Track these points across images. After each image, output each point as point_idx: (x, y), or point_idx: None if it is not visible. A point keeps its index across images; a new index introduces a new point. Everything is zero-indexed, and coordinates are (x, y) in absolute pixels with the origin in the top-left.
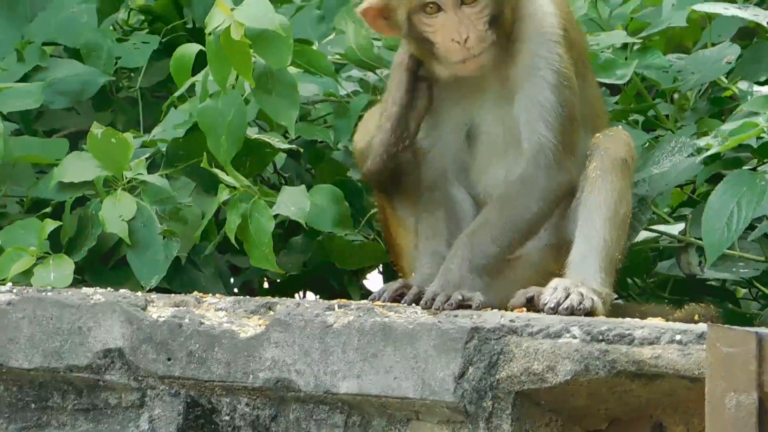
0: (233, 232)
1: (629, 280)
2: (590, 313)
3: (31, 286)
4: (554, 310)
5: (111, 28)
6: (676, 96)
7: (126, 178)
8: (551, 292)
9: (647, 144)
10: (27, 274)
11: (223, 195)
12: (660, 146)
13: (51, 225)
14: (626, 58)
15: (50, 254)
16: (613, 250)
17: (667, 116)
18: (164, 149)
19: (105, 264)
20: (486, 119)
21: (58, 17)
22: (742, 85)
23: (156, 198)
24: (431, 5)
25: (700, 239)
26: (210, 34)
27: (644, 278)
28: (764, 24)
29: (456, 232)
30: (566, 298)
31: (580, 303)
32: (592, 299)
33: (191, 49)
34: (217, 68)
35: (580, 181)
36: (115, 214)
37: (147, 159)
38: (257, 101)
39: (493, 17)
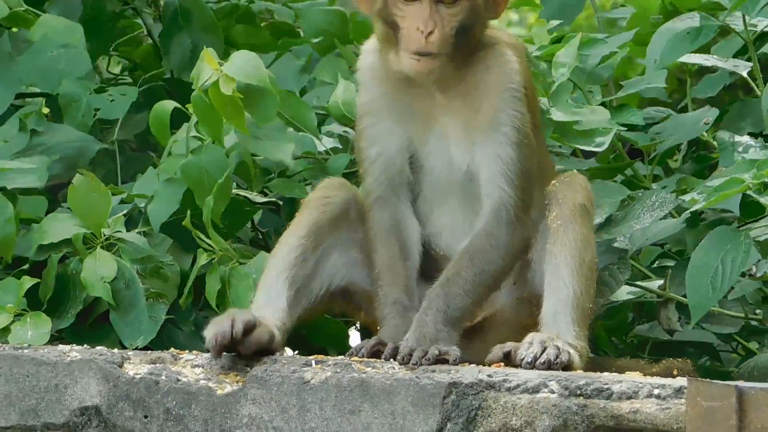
0: (214, 297)
1: (611, 339)
2: (568, 366)
3: (8, 343)
4: (531, 365)
5: (93, 71)
6: (653, 154)
7: (104, 235)
8: (527, 347)
9: (626, 201)
10: (5, 331)
11: (202, 259)
12: (640, 201)
13: (28, 282)
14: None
15: (28, 311)
16: (583, 301)
17: (644, 175)
18: (142, 205)
19: (83, 322)
20: (433, 153)
21: (37, 61)
22: (723, 134)
23: (135, 257)
24: None
25: (681, 295)
26: (197, 89)
27: (623, 338)
28: (744, 75)
29: (410, 271)
30: (543, 352)
31: (557, 357)
32: (569, 352)
33: (168, 105)
34: (208, 122)
35: (540, 230)
36: (97, 275)
37: (125, 215)
38: (249, 148)
39: (462, 26)
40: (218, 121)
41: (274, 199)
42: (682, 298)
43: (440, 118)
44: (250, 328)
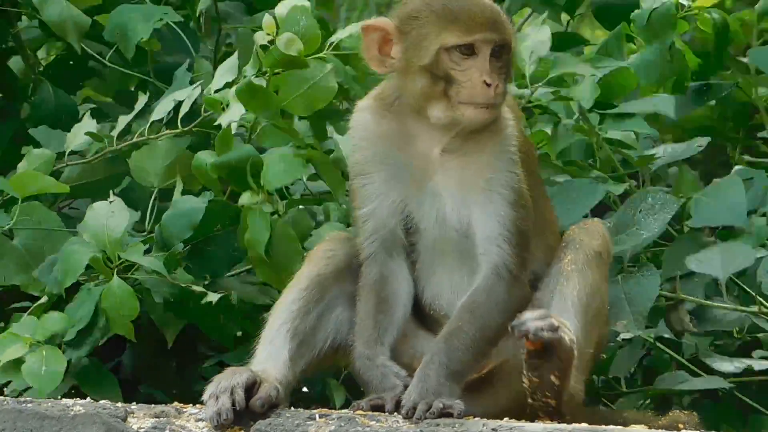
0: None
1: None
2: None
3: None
4: None
5: None
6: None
7: (120, 259)
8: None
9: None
10: (17, 363)
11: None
12: (632, 204)
13: (57, 321)
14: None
15: (42, 343)
16: (584, 347)
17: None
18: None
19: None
20: (428, 214)
21: None
22: None
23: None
24: (467, 47)
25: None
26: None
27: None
28: None
29: (385, 324)
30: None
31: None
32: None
33: None
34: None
35: (552, 273)
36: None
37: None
38: None
39: (506, 77)
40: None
41: None
42: (694, 299)
43: (435, 177)
44: (252, 386)
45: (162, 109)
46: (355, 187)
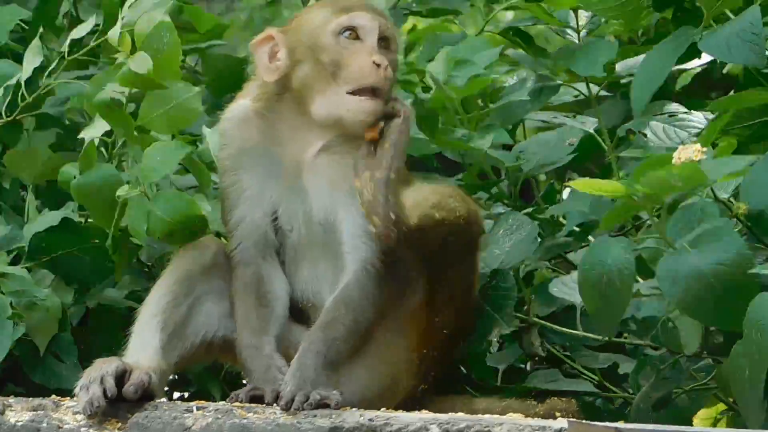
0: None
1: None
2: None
3: None
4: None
5: None
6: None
7: None
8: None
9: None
10: None
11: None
12: (499, 224)
13: None
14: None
15: None
16: None
17: (510, 194)
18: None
19: None
20: (295, 211)
21: None
22: None
23: (12, 289)
24: (351, 30)
25: (541, 318)
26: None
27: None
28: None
29: (267, 318)
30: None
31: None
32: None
33: None
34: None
35: None
36: None
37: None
38: None
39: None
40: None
41: None
42: (545, 323)
43: (304, 176)
44: (122, 375)
45: None
46: (224, 187)
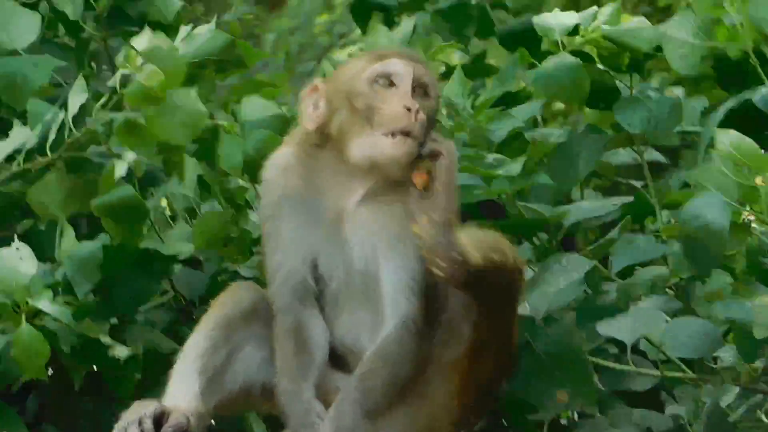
0: None
1: None
2: None
3: None
4: None
5: None
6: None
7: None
8: None
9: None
10: None
11: None
12: (547, 267)
13: None
14: None
15: None
16: None
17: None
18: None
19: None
20: (337, 261)
21: None
22: None
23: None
24: (385, 77)
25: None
26: None
27: None
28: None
29: (307, 365)
30: None
31: None
32: None
33: None
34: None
35: None
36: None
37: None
38: None
39: (429, 120)
40: None
41: None
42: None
43: (346, 226)
44: (160, 417)
45: (20, 136)
46: (265, 231)
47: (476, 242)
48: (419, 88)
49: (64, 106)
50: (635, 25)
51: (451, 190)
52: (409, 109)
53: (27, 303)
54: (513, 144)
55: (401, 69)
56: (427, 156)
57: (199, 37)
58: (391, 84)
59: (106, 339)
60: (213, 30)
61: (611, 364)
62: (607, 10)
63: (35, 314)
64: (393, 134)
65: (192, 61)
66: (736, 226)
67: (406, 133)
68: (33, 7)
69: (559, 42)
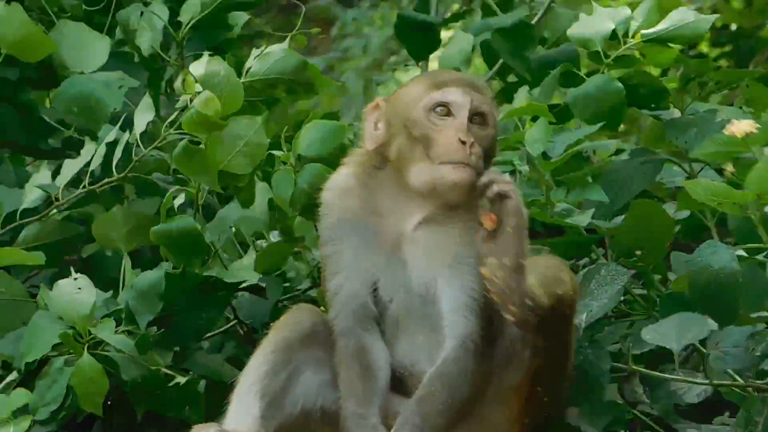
0: None
1: None
2: None
3: None
4: None
5: None
6: None
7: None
8: None
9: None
10: None
11: None
12: (592, 275)
13: (22, 398)
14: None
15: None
16: None
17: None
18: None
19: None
20: (396, 284)
21: None
22: None
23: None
24: (443, 106)
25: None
26: None
27: None
28: None
29: (372, 389)
30: None
31: None
32: None
33: None
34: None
35: None
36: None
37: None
38: None
39: (486, 151)
40: None
41: None
42: (646, 371)
43: (404, 248)
44: None
45: (87, 154)
46: (324, 254)
47: (541, 278)
48: (477, 117)
49: (129, 126)
50: (679, 17)
51: (521, 232)
52: (464, 143)
53: (89, 332)
54: (571, 162)
55: (459, 98)
56: (495, 197)
57: (271, 56)
58: (449, 113)
59: (167, 371)
60: (285, 50)
61: (659, 375)
62: (643, 8)
63: (97, 344)
64: (451, 164)
65: (263, 80)
66: None
67: (463, 164)
68: (105, 28)
69: (601, 53)
